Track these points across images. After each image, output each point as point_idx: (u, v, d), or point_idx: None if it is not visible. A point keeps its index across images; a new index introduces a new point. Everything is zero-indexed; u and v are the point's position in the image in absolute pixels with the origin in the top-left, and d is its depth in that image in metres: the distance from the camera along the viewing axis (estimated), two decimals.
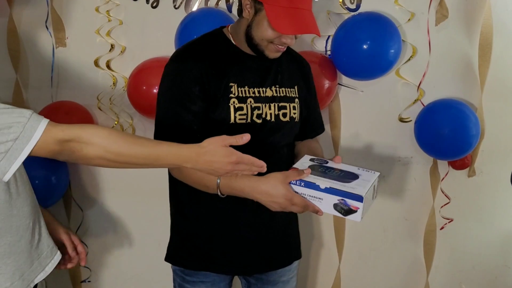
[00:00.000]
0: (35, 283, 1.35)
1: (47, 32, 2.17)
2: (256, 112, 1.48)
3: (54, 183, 2.16)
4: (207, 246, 1.55)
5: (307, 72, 1.66)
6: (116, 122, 2.23)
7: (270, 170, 1.45)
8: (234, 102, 1.45)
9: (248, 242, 1.56)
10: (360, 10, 2.08)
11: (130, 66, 2.13)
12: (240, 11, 1.47)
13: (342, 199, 1.30)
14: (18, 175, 1.29)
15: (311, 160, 1.47)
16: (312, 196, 1.33)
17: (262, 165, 1.26)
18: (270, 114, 1.51)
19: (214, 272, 1.58)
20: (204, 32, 1.57)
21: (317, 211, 1.35)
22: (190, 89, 1.42)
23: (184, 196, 1.55)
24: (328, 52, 2.11)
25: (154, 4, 2.14)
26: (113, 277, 2.41)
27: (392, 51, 1.98)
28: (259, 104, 1.49)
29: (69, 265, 1.53)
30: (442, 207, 2.22)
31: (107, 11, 2.13)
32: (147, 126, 2.18)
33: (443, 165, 2.19)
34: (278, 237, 1.62)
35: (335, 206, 1.31)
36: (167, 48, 1.97)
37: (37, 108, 2.20)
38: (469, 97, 2.13)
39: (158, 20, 2.14)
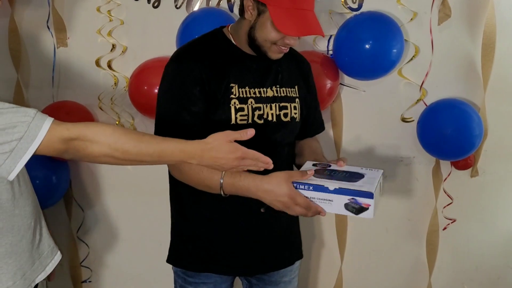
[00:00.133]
0: (36, 283, 1.35)
1: (49, 32, 2.17)
2: (257, 112, 1.47)
3: (54, 183, 2.16)
4: (209, 247, 1.55)
5: (307, 72, 1.65)
6: (117, 122, 2.22)
7: (271, 169, 1.45)
8: (235, 103, 1.45)
9: (250, 242, 1.55)
10: (362, 10, 2.07)
11: (131, 66, 2.13)
12: (241, 11, 1.46)
13: (352, 198, 1.30)
14: (21, 174, 1.29)
15: (314, 165, 1.47)
16: (322, 199, 1.33)
17: (268, 161, 1.25)
18: (272, 114, 1.50)
19: (216, 273, 1.57)
20: (205, 32, 1.56)
21: (319, 212, 1.34)
22: (190, 90, 1.42)
23: (185, 197, 1.55)
24: (330, 52, 2.11)
25: (156, 4, 2.13)
26: (114, 278, 2.40)
27: (395, 50, 1.97)
28: (260, 105, 1.48)
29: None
30: (444, 207, 2.21)
31: (108, 11, 2.13)
32: (148, 126, 2.17)
33: (445, 165, 2.18)
34: (280, 237, 1.61)
35: (346, 206, 1.31)
36: (168, 48, 1.97)
37: (38, 108, 2.16)
38: (472, 97, 2.12)
39: (159, 20, 2.14)
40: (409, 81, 2.12)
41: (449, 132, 1.99)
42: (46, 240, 1.40)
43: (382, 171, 1.43)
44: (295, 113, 1.55)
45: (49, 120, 1.15)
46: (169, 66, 1.48)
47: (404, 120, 2.16)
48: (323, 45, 2.12)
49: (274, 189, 1.34)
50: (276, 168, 1.41)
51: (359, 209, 1.30)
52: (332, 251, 2.31)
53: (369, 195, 1.29)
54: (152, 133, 1.48)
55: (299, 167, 1.64)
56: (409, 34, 2.08)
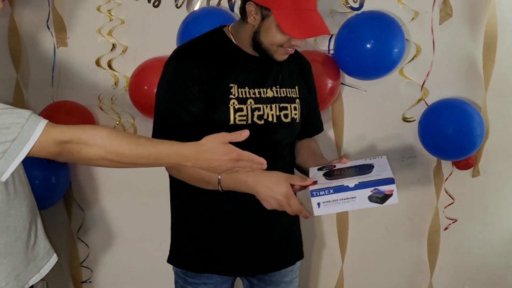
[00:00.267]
0: (30, 284, 1.35)
1: (48, 32, 2.16)
2: (256, 113, 1.47)
3: (54, 183, 2.16)
4: (209, 248, 1.54)
5: (307, 72, 1.65)
6: (117, 122, 2.22)
7: (271, 170, 1.44)
8: (234, 103, 1.44)
9: (250, 242, 1.55)
10: (363, 9, 2.07)
11: (131, 65, 2.13)
12: (243, 15, 1.45)
13: (374, 189, 1.30)
14: (17, 175, 1.29)
15: (320, 169, 1.46)
16: (344, 199, 1.32)
17: (262, 162, 1.27)
18: (272, 115, 1.49)
19: (217, 274, 1.57)
20: (206, 31, 1.55)
21: (307, 217, 1.37)
22: (189, 89, 1.41)
23: (185, 197, 1.54)
24: (331, 52, 2.10)
25: (156, 3, 2.13)
26: (114, 278, 2.40)
27: (396, 50, 1.96)
28: (260, 105, 1.47)
29: None
30: (446, 207, 2.20)
31: (109, 10, 2.13)
32: (148, 126, 2.15)
33: (447, 165, 2.18)
34: (281, 237, 1.61)
35: (370, 198, 1.31)
36: (168, 48, 1.94)
37: (38, 108, 2.19)
38: (473, 97, 2.12)
39: (159, 20, 2.14)
40: (410, 81, 2.12)
41: (450, 132, 1.99)
42: (42, 241, 1.40)
43: (385, 156, 1.45)
44: (295, 114, 1.55)
45: (43, 122, 1.14)
46: (169, 64, 1.47)
47: (405, 120, 2.16)
48: (324, 45, 2.12)
49: (273, 186, 1.35)
50: (276, 169, 1.43)
51: (383, 198, 1.30)
52: (333, 251, 2.31)
53: (391, 181, 1.30)
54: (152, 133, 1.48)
55: (298, 167, 1.64)
56: (410, 33, 2.08)
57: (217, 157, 1.23)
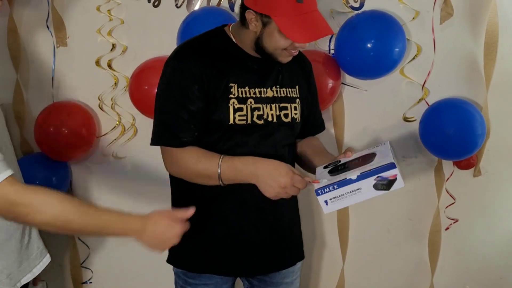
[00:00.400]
0: (22, 283, 1.36)
1: (48, 32, 2.16)
2: (256, 113, 1.46)
3: (55, 184, 2.16)
4: (210, 248, 1.54)
5: (308, 71, 1.64)
6: (117, 122, 2.21)
7: None
8: (233, 102, 1.43)
9: (251, 243, 1.54)
10: (364, 9, 2.06)
11: (131, 65, 2.13)
12: (243, 20, 1.44)
13: (378, 177, 1.30)
14: None
15: (325, 167, 1.46)
16: (350, 192, 1.32)
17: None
18: (272, 115, 1.49)
19: (217, 274, 1.56)
20: (206, 31, 1.55)
21: (314, 181, 1.37)
22: (189, 88, 1.41)
23: (185, 198, 1.54)
24: (332, 51, 2.10)
25: (156, 3, 2.12)
26: (114, 279, 2.40)
27: (397, 50, 1.96)
28: (259, 105, 1.47)
29: None
30: (447, 207, 2.20)
31: (108, 10, 2.12)
32: (149, 126, 2.14)
33: (448, 165, 2.17)
34: (281, 237, 1.60)
35: (376, 187, 1.31)
36: (169, 48, 1.93)
37: (38, 108, 2.19)
38: (475, 96, 2.11)
39: (159, 19, 2.13)
40: (411, 81, 2.11)
41: (451, 132, 1.98)
42: (35, 241, 1.41)
43: (388, 141, 1.45)
44: (296, 114, 1.54)
45: (4, 175, 1.14)
46: (169, 63, 1.47)
47: (406, 119, 2.15)
48: (324, 44, 2.11)
49: (274, 169, 1.36)
50: None
51: (388, 184, 1.30)
52: (334, 251, 2.30)
53: (391, 166, 1.29)
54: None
55: (305, 167, 1.63)
56: (411, 33, 2.07)
57: (162, 230, 1.29)
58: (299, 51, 1.65)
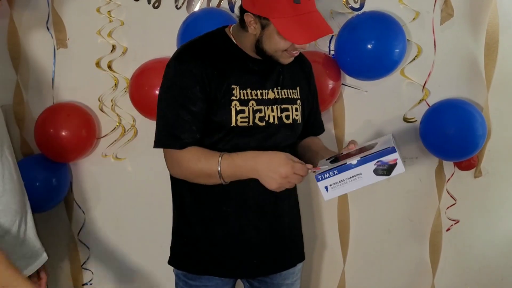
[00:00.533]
0: None
1: (48, 33, 2.16)
2: (258, 115, 1.46)
3: (55, 185, 2.16)
4: (211, 250, 1.53)
5: (308, 71, 1.64)
6: (118, 124, 2.21)
7: None
8: (235, 104, 1.43)
9: (252, 244, 1.54)
10: (364, 9, 2.06)
11: (131, 67, 2.12)
12: (242, 23, 1.44)
13: (378, 162, 1.29)
14: (8, 173, 1.31)
15: (327, 159, 1.45)
16: (350, 177, 1.31)
17: None
18: (273, 116, 1.49)
19: (218, 276, 1.56)
20: (206, 32, 1.54)
21: (314, 168, 1.35)
22: (190, 90, 1.41)
23: (186, 199, 1.54)
24: (332, 52, 2.09)
25: (156, 5, 2.12)
26: (115, 280, 2.39)
27: (397, 50, 1.96)
28: (261, 107, 1.47)
29: None
30: (448, 208, 2.20)
31: (109, 11, 2.12)
32: (149, 128, 2.15)
33: (448, 165, 2.17)
34: (282, 239, 1.60)
35: (376, 172, 1.30)
36: (169, 49, 1.96)
37: (38, 110, 2.19)
38: (475, 97, 2.11)
39: (159, 21, 2.13)
40: (412, 81, 2.11)
41: (452, 133, 1.98)
42: (31, 241, 1.41)
43: (391, 133, 1.43)
44: (297, 115, 1.54)
45: None
46: (171, 64, 1.47)
47: (406, 120, 2.15)
48: (324, 45, 2.11)
49: (273, 159, 1.34)
50: None
51: (388, 169, 1.29)
52: (335, 252, 2.30)
53: (392, 150, 1.28)
54: (153, 134, 1.48)
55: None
56: (412, 34, 2.07)
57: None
58: (301, 52, 1.65)
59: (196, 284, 1.57)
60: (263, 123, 1.47)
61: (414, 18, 2.05)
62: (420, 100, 2.12)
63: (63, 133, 2.09)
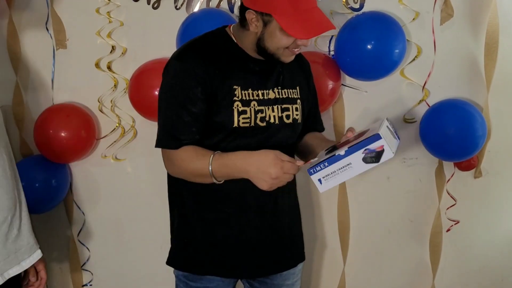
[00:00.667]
0: (11, 274, 1.38)
1: (47, 34, 2.16)
2: (259, 115, 1.46)
3: (54, 186, 2.16)
4: (211, 250, 1.53)
5: (307, 71, 1.65)
6: (117, 124, 2.21)
7: None
8: (238, 105, 1.43)
9: (252, 244, 1.54)
10: (363, 10, 2.06)
11: (131, 67, 2.12)
12: (243, 23, 1.44)
13: (365, 150, 1.29)
14: (1, 169, 1.34)
15: (325, 150, 1.45)
16: (341, 168, 1.32)
17: None
18: (274, 116, 1.49)
19: (219, 276, 1.56)
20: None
21: (304, 163, 1.34)
22: (191, 89, 1.40)
23: (186, 200, 1.53)
24: (332, 52, 2.09)
25: (155, 5, 2.12)
26: (115, 281, 2.39)
27: (397, 51, 1.96)
28: (262, 107, 1.47)
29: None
30: (448, 208, 2.19)
31: (108, 12, 2.12)
32: (149, 128, 2.16)
33: (448, 166, 2.17)
34: (282, 239, 1.60)
35: (365, 160, 1.30)
36: (168, 49, 1.95)
37: (37, 110, 2.18)
38: (475, 97, 2.11)
39: (159, 21, 2.13)
40: (412, 82, 2.11)
41: (452, 133, 1.98)
42: (25, 237, 1.43)
43: (386, 118, 1.43)
44: (297, 115, 1.54)
45: None
46: (171, 64, 1.46)
47: (406, 120, 2.15)
48: (324, 46, 2.11)
49: (261, 159, 1.33)
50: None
51: (376, 156, 1.30)
52: (335, 252, 2.30)
53: (376, 137, 1.28)
54: (153, 134, 1.48)
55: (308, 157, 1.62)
56: (411, 34, 2.07)
57: None
58: (299, 52, 1.65)
59: (197, 285, 1.56)
60: (264, 123, 1.47)
61: (414, 19, 2.04)
62: (420, 101, 2.11)
63: (63, 134, 2.09)
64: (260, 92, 1.46)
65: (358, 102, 2.15)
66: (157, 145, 1.46)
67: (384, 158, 1.29)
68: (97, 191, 2.31)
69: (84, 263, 2.35)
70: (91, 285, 2.38)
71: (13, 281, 1.40)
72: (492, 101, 2.08)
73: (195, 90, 1.40)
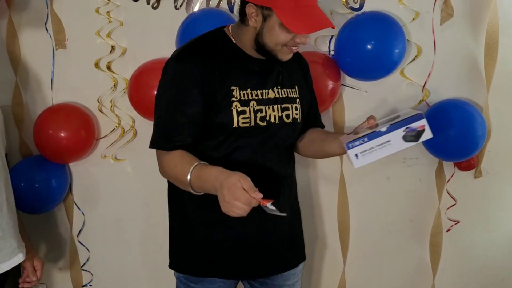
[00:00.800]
0: None
1: (47, 34, 2.15)
2: (259, 115, 1.46)
3: (54, 186, 2.15)
4: (212, 252, 1.53)
5: (306, 70, 1.65)
6: (117, 125, 2.21)
7: (271, 169, 1.48)
8: (236, 105, 1.43)
9: (253, 245, 1.54)
10: (363, 10, 2.05)
11: (131, 67, 2.12)
12: (243, 18, 1.44)
13: (406, 128, 1.34)
14: None
15: (348, 134, 1.47)
16: (379, 145, 1.34)
17: None
18: (274, 116, 1.48)
19: (220, 278, 1.56)
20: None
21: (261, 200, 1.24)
22: (188, 91, 1.40)
23: (187, 202, 1.53)
24: (332, 53, 2.09)
25: (155, 5, 2.12)
26: (115, 282, 2.39)
27: (397, 51, 1.95)
28: (262, 107, 1.46)
29: (26, 285, 1.65)
30: (448, 208, 2.19)
31: (108, 12, 2.12)
32: (148, 129, 2.14)
33: (449, 166, 2.16)
34: (283, 240, 1.60)
35: (405, 138, 1.34)
36: (168, 49, 1.94)
37: (37, 110, 2.18)
38: (475, 97, 2.11)
39: (159, 21, 2.12)
40: (412, 82, 2.10)
41: (452, 133, 1.97)
42: (8, 239, 1.44)
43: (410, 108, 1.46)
44: (297, 114, 1.54)
45: None
46: (169, 65, 1.46)
47: None
48: (324, 46, 2.10)
49: (226, 179, 1.23)
50: (276, 168, 1.47)
51: (416, 135, 1.34)
52: (335, 253, 2.29)
53: (420, 116, 1.34)
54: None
55: (316, 153, 1.62)
56: (411, 34, 2.06)
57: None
58: (298, 52, 1.65)
59: (197, 286, 1.56)
60: (264, 123, 1.47)
61: (414, 18, 2.04)
62: (420, 101, 2.11)
63: (62, 134, 2.09)
64: (259, 91, 1.46)
65: (358, 102, 2.15)
66: (151, 146, 1.46)
67: (423, 137, 1.34)
68: (96, 192, 2.31)
69: (84, 264, 2.35)
70: (90, 285, 2.38)
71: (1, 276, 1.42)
72: (492, 101, 2.07)
73: (191, 92, 1.40)
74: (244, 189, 1.22)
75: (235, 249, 1.53)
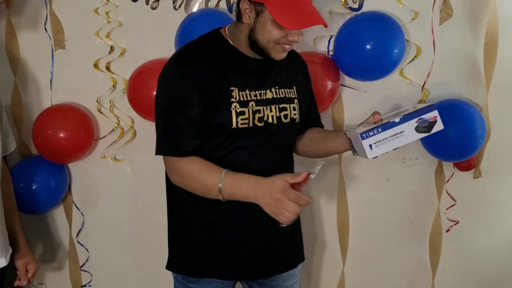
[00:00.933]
0: None
1: (46, 34, 2.15)
2: (257, 115, 1.46)
3: (53, 187, 2.15)
4: (211, 252, 1.53)
5: (304, 70, 1.65)
6: (116, 125, 2.20)
7: (271, 169, 1.46)
8: (235, 106, 1.43)
9: (252, 246, 1.54)
10: (362, 10, 2.05)
11: (130, 68, 2.12)
12: (238, 16, 1.44)
13: (419, 119, 1.37)
14: None
15: (359, 126, 1.49)
16: (393, 135, 1.37)
17: None
18: (272, 116, 1.48)
19: (219, 279, 1.56)
20: (204, 33, 1.54)
21: (308, 202, 1.34)
22: (188, 94, 1.40)
23: (186, 203, 1.53)
24: (331, 53, 2.09)
25: (154, 5, 2.12)
26: (114, 282, 2.38)
27: (396, 51, 1.95)
28: (260, 107, 1.46)
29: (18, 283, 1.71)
30: (447, 209, 2.19)
31: (107, 12, 2.12)
32: (148, 129, 2.15)
33: (448, 166, 2.16)
34: (282, 240, 1.60)
35: (417, 129, 1.38)
36: (167, 50, 1.95)
37: (36, 111, 2.18)
38: (475, 97, 2.11)
39: (158, 22, 2.12)
40: (411, 82, 2.10)
41: (451, 133, 1.97)
42: None
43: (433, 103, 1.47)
44: (295, 114, 1.54)
45: None
46: (168, 69, 1.46)
47: None
48: (323, 46, 2.10)
49: (269, 184, 1.34)
50: (276, 167, 1.46)
51: (429, 126, 1.38)
52: (334, 253, 2.29)
53: (432, 107, 1.37)
54: (152, 135, 1.48)
55: (318, 153, 1.62)
56: (411, 34, 2.06)
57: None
58: (294, 50, 1.64)
59: (195, 287, 1.56)
60: (262, 124, 1.47)
61: (413, 18, 2.04)
62: (420, 101, 2.11)
63: (61, 135, 2.08)
64: (257, 92, 1.46)
65: (357, 102, 2.15)
66: (158, 153, 1.46)
67: (435, 129, 1.38)
68: (96, 192, 2.31)
69: (83, 264, 2.35)
70: (90, 285, 2.38)
71: None
72: (492, 101, 2.07)
73: (191, 94, 1.40)
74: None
75: (234, 250, 1.53)
